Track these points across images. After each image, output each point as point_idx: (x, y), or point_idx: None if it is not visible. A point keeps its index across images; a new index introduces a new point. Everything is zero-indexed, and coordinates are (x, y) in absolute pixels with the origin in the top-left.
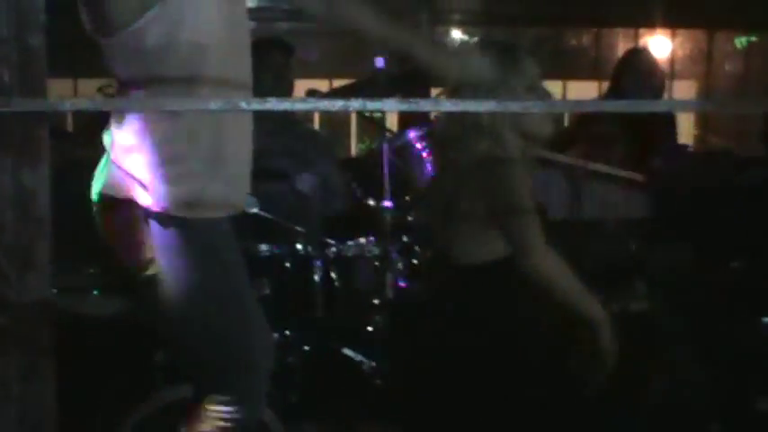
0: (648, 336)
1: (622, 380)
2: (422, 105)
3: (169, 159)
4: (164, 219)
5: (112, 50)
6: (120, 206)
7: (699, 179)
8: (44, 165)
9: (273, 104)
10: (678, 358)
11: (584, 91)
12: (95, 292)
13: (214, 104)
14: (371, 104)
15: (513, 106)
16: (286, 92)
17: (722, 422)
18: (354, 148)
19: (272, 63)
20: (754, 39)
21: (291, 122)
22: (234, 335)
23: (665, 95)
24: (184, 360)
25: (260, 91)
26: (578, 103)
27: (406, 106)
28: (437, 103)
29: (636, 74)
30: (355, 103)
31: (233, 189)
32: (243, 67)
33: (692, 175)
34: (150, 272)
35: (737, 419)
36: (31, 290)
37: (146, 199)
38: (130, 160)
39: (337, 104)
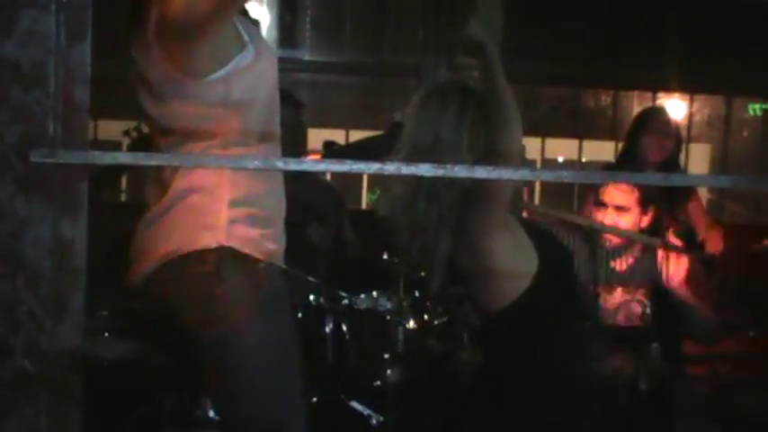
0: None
1: None
2: (456, 171)
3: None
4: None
5: (184, 96)
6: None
7: None
8: (83, 215)
9: (309, 165)
10: None
11: (601, 149)
12: (106, 335)
13: (251, 163)
14: (406, 169)
15: (546, 175)
16: (299, 145)
17: None
18: (365, 199)
19: (284, 119)
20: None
21: (305, 173)
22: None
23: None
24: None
25: None
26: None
27: (441, 172)
28: (472, 170)
29: (650, 132)
30: (390, 167)
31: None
32: (277, 124)
33: None
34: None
35: None
36: (64, 338)
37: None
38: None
39: (373, 167)
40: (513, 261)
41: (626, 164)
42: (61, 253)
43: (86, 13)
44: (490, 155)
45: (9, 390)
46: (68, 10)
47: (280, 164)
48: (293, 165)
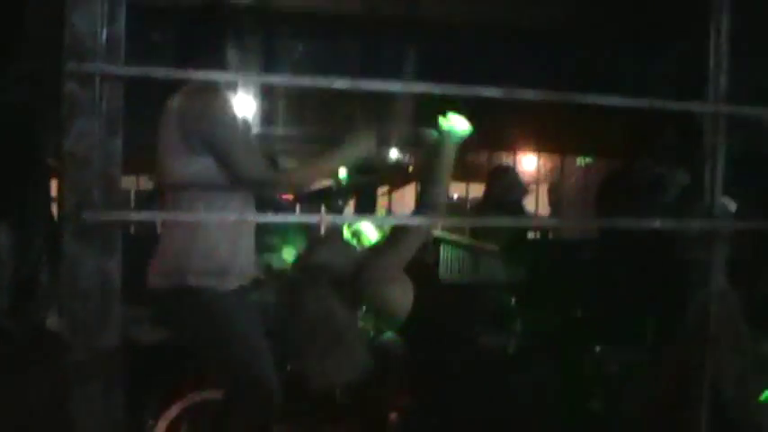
0: None
1: None
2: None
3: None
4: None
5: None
6: None
7: None
8: (119, 253)
9: (294, 218)
10: None
11: None
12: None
13: (233, 216)
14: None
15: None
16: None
17: None
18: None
19: None
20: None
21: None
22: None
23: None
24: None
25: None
26: None
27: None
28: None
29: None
30: (346, 218)
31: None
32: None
33: None
34: None
35: None
36: (107, 339)
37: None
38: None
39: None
40: None
41: None
42: (103, 281)
43: (118, 118)
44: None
45: (73, 373)
46: (106, 116)
47: (270, 216)
48: (278, 217)
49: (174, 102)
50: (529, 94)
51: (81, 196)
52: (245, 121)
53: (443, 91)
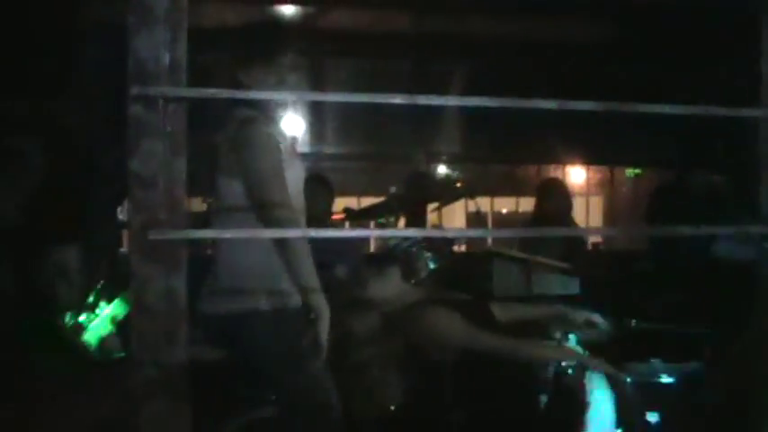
0: None
1: None
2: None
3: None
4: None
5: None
6: None
7: None
8: (184, 270)
9: (344, 233)
10: None
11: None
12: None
13: (293, 232)
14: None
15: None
16: (329, 213)
17: None
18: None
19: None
20: (638, 171)
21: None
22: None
23: None
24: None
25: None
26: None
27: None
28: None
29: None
30: (410, 232)
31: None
32: (301, 200)
33: None
34: None
35: None
36: (175, 355)
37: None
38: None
39: (399, 233)
40: None
41: None
42: (171, 298)
43: (183, 139)
44: None
45: (142, 389)
46: (171, 138)
47: (312, 233)
48: (331, 233)
49: (228, 127)
50: (584, 105)
51: (147, 216)
52: (293, 141)
53: (500, 104)
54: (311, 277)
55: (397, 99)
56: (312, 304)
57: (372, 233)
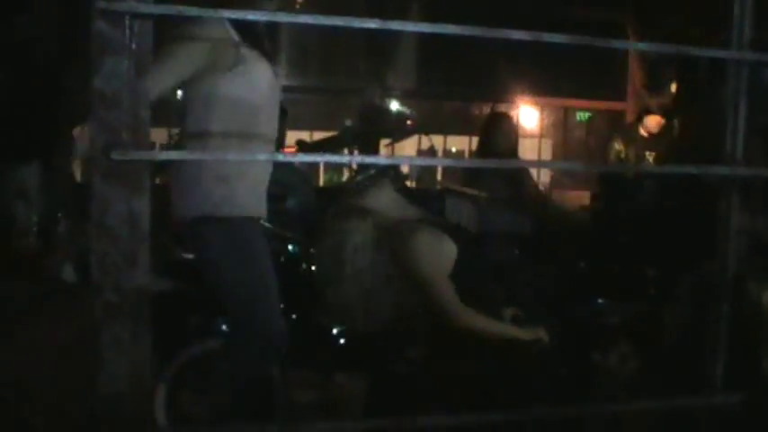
0: None
1: None
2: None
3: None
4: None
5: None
6: None
7: None
8: (147, 194)
9: (301, 157)
10: None
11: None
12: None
13: (262, 155)
14: (369, 159)
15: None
16: (281, 142)
17: None
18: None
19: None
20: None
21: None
22: (258, 304)
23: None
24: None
25: None
26: None
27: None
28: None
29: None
30: (369, 158)
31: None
32: (273, 125)
33: None
34: None
35: None
36: (137, 279)
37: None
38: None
39: (357, 158)
40: None
41: None
42: (133, 222)
43: (148, 58)
44: None
45: (101, 314)
46: (136, 56)
47: (281, 156)
48: (290, 157)
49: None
50: (557, 38)
51: (110, 136)
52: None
53: (476, 33)
54: None
55: (371, 24)
56: None
57: (353, 159)
